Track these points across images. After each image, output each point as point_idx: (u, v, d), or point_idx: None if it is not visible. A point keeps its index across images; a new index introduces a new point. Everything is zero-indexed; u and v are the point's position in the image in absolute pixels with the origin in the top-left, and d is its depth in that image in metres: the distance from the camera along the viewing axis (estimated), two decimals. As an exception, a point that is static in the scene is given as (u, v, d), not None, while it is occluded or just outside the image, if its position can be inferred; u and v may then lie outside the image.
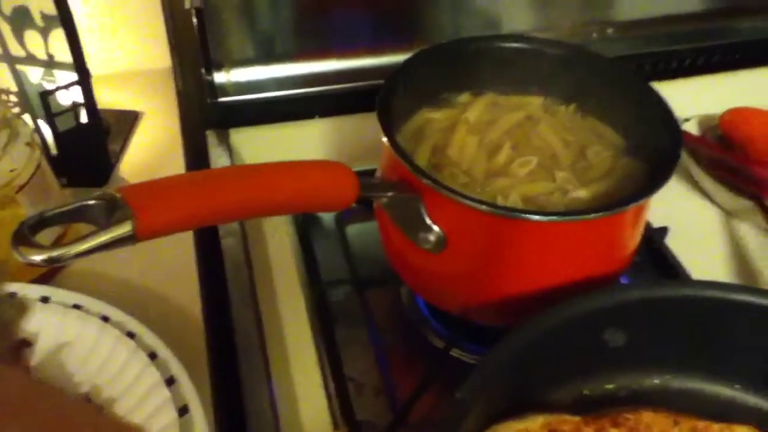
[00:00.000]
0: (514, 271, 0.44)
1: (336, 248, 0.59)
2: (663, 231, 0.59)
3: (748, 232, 0.63)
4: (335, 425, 0.45)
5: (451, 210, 0.42)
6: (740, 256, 0.61)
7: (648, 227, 0.54)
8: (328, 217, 0.62)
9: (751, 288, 0.41)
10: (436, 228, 0.43)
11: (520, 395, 0.41)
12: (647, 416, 0.39)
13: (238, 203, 0.35)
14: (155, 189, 0.34)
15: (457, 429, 0.34)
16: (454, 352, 0.51)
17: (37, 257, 0.30)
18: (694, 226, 0.63)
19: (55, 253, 0.30)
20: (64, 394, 0.26)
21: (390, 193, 0.44)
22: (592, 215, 0.42)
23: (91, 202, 0.32)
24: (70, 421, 0.23)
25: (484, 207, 0.41)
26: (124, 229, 0.31)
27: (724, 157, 0.64)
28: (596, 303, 0.41)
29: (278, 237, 0.56)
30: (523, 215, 0.41)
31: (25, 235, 0.30)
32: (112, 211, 0.32)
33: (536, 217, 0.41)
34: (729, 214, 0.64)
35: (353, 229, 0.61)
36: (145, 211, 0.32)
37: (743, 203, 0.63)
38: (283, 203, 0.38)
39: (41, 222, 0.31)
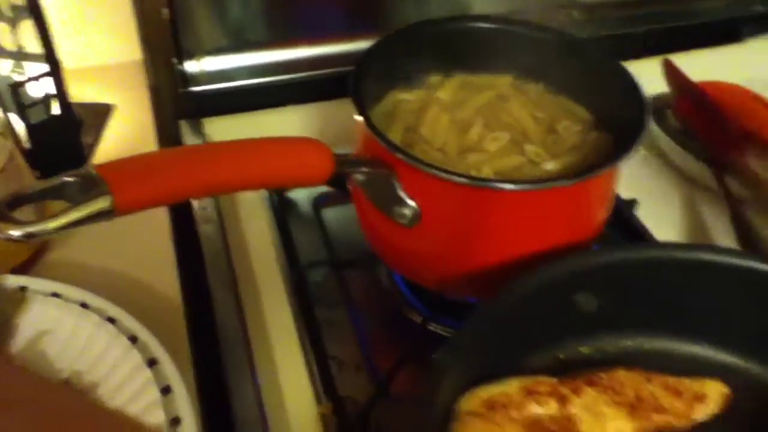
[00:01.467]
0: (488, 242, 0.45)
1: (313, 232, 0.59)
2: (632, 203, 0.61)
3: (705, 200, 0.65)
4: (318, 401, 0.45)
5: (425, 183, 0.43)
6: (698, 223, 0.63)
7: (618, 199, 0.56)
8: (304, 201, 0.62)
9: (713, 246, 0.43)
10: (410, 202, 0.44)
11: (496, 362, 0.41)
12: (621, 374, 0.40)
13: (215, 178, 0.36)
14: (132, 164, 0.34)
15: (437, 387, 0.35)
16: (432, 327, 0.52)
17: (16, 232, 0.30)
18: (660, 199, 0.65)
19: (33, 228, 0.30)
20: (62, 387, 0.25)
21: (364, 169, 0.44)
22: (563, 182, 0.43)
23: (69, 179, 0.32)
24: (64, 413, 0.23)
25: (457, 178, 0.42)
26: (101, 204, 0.32)
27: (707, 100, 0.65)
28: (567, 268, 0.42)
29: (255, 222, 0.56)
30: (497, 185, 0.42)
31: (1, 212, 0.30)
32: (89, 189, 0.32)
33: (509, 186, 0.42)
34: (689, 179, 0.67)
35: (329, 213, 0.61)
36: (122, 186, 0.33)
37: (702, 169, 0.65)
38: (260, 178, 0.38)
39: (18, 199, 0.31)
